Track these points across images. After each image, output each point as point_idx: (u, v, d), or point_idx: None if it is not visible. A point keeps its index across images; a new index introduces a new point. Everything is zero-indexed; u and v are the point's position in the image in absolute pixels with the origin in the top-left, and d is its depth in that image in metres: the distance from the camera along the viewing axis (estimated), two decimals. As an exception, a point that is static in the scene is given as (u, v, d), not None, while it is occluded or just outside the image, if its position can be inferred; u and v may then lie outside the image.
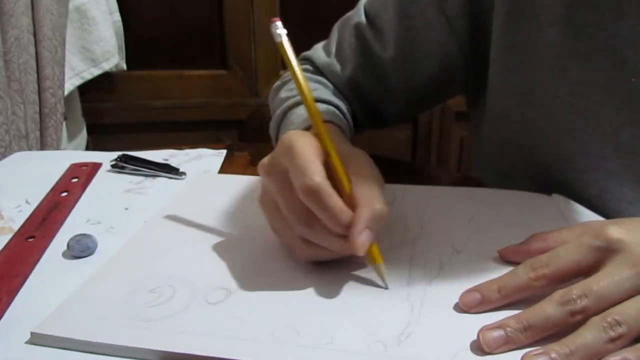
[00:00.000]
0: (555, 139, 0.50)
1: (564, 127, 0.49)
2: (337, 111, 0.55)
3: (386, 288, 0.36)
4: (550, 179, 0.51)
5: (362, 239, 0.35)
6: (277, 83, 0.66)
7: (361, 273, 0.37)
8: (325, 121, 0.47)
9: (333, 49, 0.63)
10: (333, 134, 0.45)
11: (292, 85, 0.61)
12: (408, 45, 0.57)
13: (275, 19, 0.40)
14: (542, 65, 0.49)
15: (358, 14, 0.61)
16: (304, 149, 0.36)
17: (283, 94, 0.60)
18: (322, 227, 0.36)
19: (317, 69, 0.63)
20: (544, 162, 0.52)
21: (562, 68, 0.48)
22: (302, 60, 0.66)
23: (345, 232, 0.35)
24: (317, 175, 0.35)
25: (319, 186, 0.35)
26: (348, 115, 0.58)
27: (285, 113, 0.56)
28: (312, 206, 0.35)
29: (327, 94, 0.58)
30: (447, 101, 0.71)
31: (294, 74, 0.40)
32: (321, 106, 0.55)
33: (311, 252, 0.37)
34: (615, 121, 0.47)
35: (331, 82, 0.62)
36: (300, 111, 0.54)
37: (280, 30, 0.40)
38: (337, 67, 0.61)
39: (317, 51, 0.65)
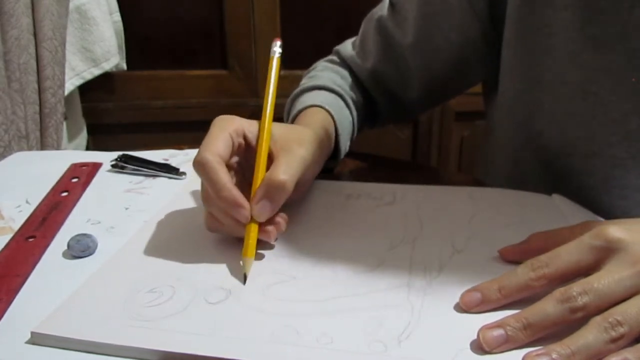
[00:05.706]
0: (564, 123, 0.50)
1: (573, 112, 0.49)
2: (337, 98, 0.59)
3: (243, 284, 0.36)
4: (557, 163, 0.51)
5: (258, 208, 0.38)
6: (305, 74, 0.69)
7: (361, 273, 0.37)
8: (313, 105, 0.55)
9: (358, 43, 0.66)
10: (308, 117, 0.52)
11: (311, 74, 0.66)
12: (428, 31, 0.58)
13: (277, 38, 0.48)
14: (553, 49, 0.49)
15: (381, 8, 0.63)
16: (215, 130, 0.40)
17: (302, 81, 0.65)
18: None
19: (344, 61, 0.67)
20: (551, 147, 0.52)
21: (574, 53, 0.48)
22: (333, 52, 0.69)
23: (228, 209, 0.38)
24: (208, 151, 0.38)
25: (205, 160, 0.38)
26: (352, 105, 0.61)
27: (296, 97, 0.60)
28: (201, 179, 0.39)
29: (332, 83, 0.61)
30: (448, 101, 0.72)
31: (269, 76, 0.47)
32: (320, 92, 0.59)
33: (212, 225, 0.41)
34: (623, 108, 0.47)
35: (355, 74, 0.65)
36: (303, 98, 0.58)
37: (277, 48, 0.47)
38: (360, 59, 0.65)
39: (346, 45, 0.68)
